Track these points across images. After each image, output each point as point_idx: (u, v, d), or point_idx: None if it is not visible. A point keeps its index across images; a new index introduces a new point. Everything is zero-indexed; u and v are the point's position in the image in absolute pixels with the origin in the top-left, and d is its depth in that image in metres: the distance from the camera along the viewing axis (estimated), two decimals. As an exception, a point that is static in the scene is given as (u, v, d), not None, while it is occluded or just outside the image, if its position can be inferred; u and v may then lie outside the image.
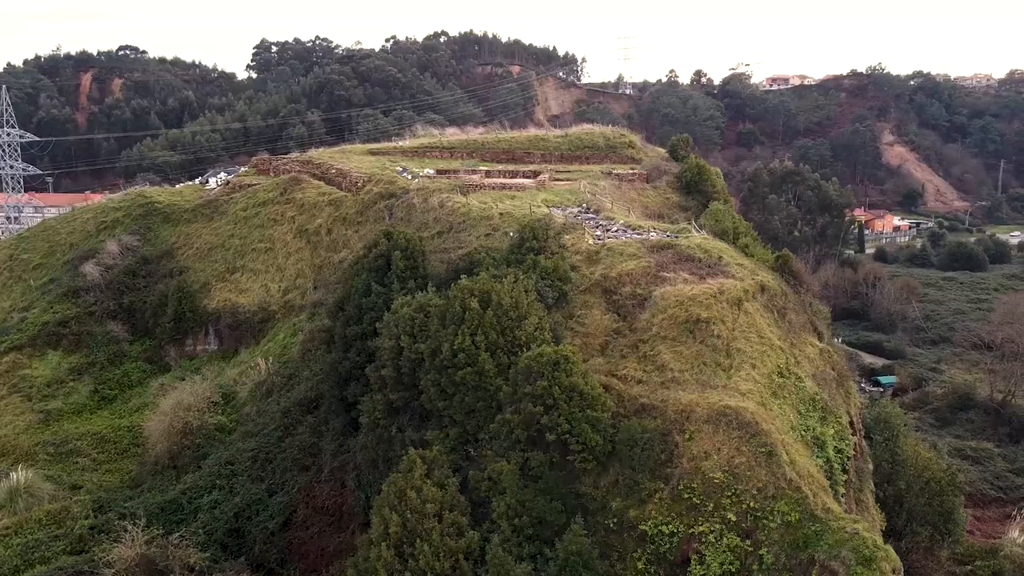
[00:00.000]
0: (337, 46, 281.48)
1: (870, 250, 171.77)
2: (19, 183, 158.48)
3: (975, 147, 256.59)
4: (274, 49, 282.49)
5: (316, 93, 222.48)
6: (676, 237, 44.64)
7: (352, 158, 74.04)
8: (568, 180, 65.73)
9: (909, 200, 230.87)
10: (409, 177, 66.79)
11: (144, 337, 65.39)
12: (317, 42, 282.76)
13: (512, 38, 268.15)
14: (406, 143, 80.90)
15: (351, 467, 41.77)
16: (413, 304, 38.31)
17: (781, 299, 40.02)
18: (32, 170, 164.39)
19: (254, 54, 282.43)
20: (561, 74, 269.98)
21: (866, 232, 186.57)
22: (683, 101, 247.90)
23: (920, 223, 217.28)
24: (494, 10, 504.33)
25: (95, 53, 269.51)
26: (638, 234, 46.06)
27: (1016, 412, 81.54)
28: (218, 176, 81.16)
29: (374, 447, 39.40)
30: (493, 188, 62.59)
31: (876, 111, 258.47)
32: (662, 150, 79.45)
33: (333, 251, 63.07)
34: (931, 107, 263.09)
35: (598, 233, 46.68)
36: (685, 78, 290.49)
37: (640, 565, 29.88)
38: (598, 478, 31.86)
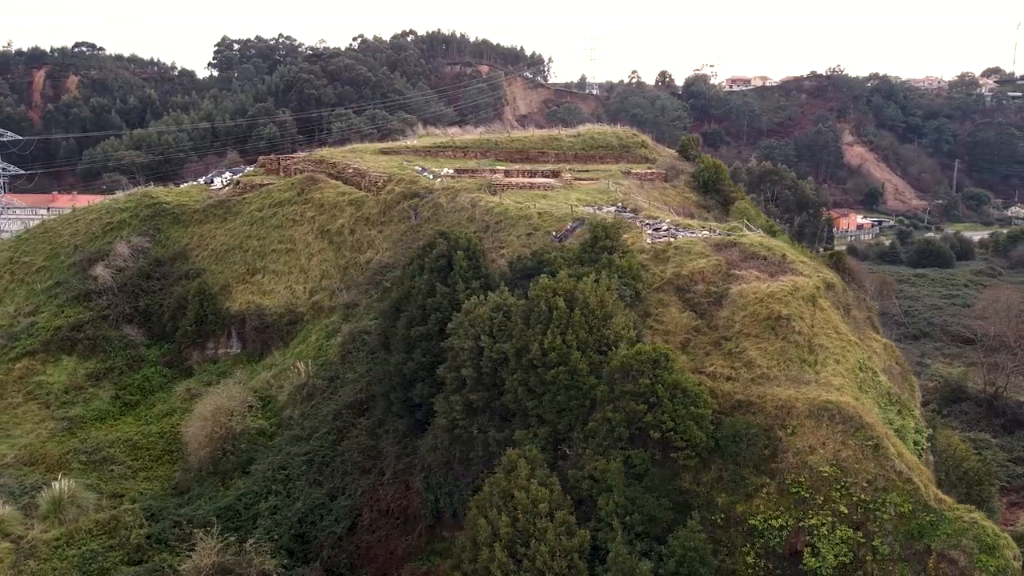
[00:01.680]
0: (300, 44, 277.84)
1: (840, 247, 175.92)
2: (4, 184, 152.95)
3: (930, 147, 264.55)
4: (236, 47, 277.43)
5: (284, 92, 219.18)
6: (730, 235, 45.26)
7: (366, 157, 73.33)
8: (590, 180, 66.17)
9: (871, 199, 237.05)
10: (431, 177, 66.47)
11: (162, 341, 63.87)
12: (280, 40, 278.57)
13: (480, 38, 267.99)
14: (416, 142, 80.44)
15: (418, 469, 41.45)
16: (489, 304, 38.19)
17: (844, 295, 40.91)
18: (13, 169, 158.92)
19: (215, 52, 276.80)
20: (528, 74, 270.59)
21: (833, 231, 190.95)
22: (651, 102, 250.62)
23: (882, 221, 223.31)
24: (459, 10, 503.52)
25: (48, 50, 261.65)
26: (690, 233, 46.58)
27: (1009, 404, 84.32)
28: (223, 176, 79.57)
29: (447, 448, 39.19)
30: (521, 187, 62.70)
31: (836, 112, 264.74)
32: (671, 150, 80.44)
33: (358, 252, 62.45)
34: (888, 108, 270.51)
35: (650, 232, 47.06)
36: (646, 78, 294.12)
37: (750, 559, 30.33)
38: (698, 474, 32.21)
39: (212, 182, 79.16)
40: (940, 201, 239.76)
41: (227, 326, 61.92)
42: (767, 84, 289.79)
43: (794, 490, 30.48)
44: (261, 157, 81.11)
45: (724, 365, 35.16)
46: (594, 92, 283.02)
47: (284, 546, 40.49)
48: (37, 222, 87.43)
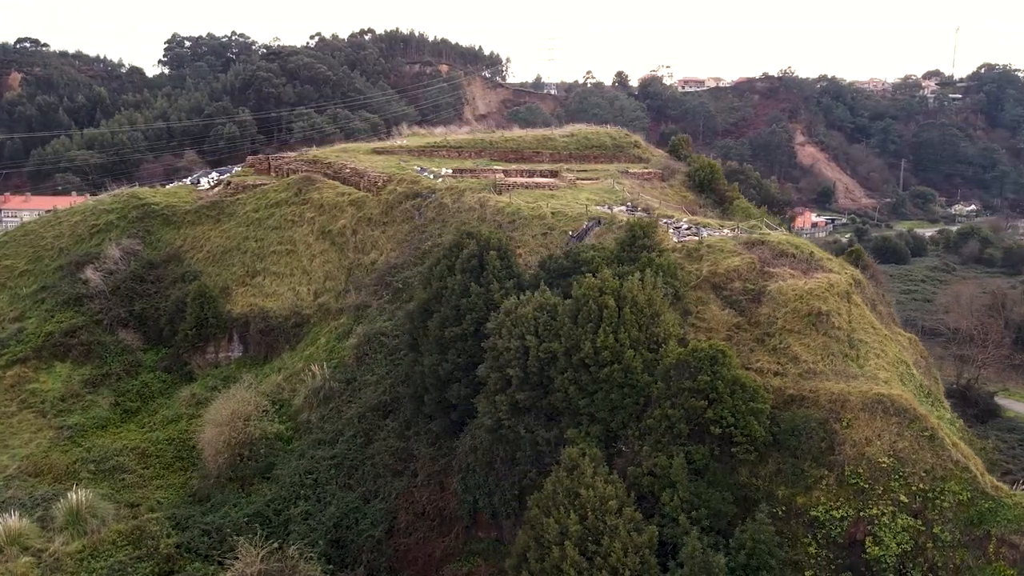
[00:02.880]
0: (254, 42, 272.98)
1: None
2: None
3: (877, 147, 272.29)
4: (187, 44, 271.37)
5: (242, 91, 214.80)
6: (751, 233, 46.12)
7: (360, 157, 72.69)
8: (590, 180, 66.64)
9: (823, 197, 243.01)
10: (431, 176, 66.20)
11: (159, 345, 62.42)
12: (233, 38, 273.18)
13: (439, 37, 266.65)
14: (408, 142, 79.96)
15: (456, 470, 41.29)
16: (532, 303, 38.25)
17: (869, 292, 42.06)
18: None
19: (166, 49, 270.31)
20: (487, 74, 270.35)
21: (791, 229, 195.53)
22: (610, 102, 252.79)
23: (835, 219, 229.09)
24: (416, 9, 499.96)
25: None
26: (712, 231, 47.33)
27: (981, 395, 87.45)
28: (209, 176, 77.93)
29: (488, 448, 39.10)
30: (526, 187, 62.82)
31: (788, 113, 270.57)
32: (660, 150, 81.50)
33: (362, 252, 61.85)
34: (837, 109, 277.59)
35: (674, 231, 47.66)
36: (600, 79, 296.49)
37: (812, 549, 31.04)
38: (755, 468, 32.82)
39: (199, 182, 77.50)
40: (888, 200, 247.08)
41: (228, 329, 60.74)
42: (720, 85, 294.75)
43: (853, 481, 31.30)
44: (249, 157, 79.74)
45: (770, 361, 35.88)
46: (552, 92, 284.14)
47: (320, 551, 39.92)
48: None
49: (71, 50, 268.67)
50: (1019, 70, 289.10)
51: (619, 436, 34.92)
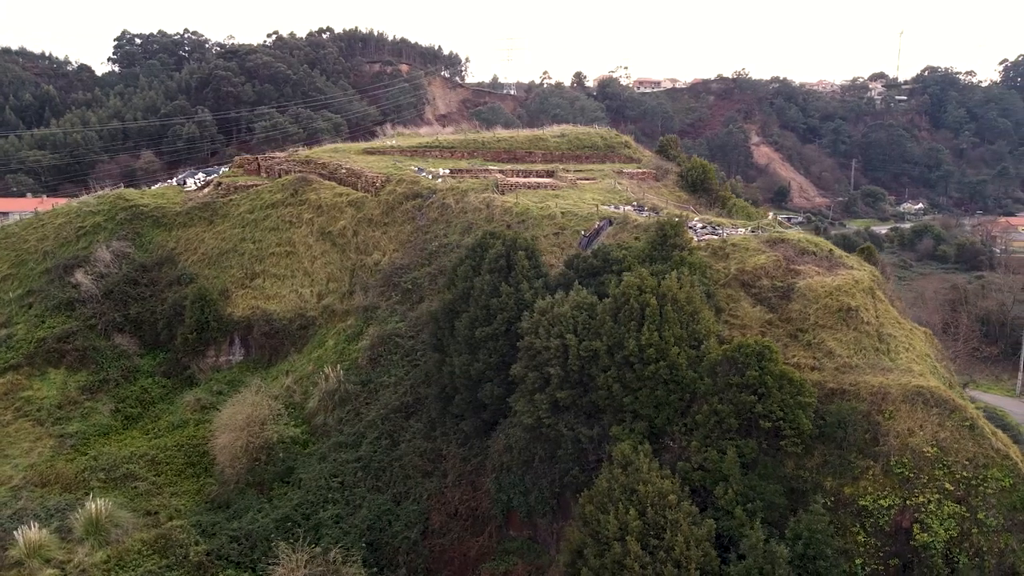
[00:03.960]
0: (207, 40, 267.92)
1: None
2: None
3: (828, 147, 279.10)
4: (138, 42, 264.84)
5: (199, 90, 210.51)
6: (767, 232, 47.17)
7: (353, 157, 72.20)
8: (588, 179, 67.26)
9: (779, 197, 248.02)
10: (430, 177, 66.07)
11: (156, 350, 61.10)
12: (186, 35, 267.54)
13: (399, 36, 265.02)
14: (399, 142, 79.62)
15: (489, 469, 41.41)
16: (569, 302, 38.58)
17: (887, 288, 43.40)
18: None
19: (115, 47, 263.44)
20: (446, 74, 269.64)
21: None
22: (570, 102, 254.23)
23: (791, 218, 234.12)
24: (371, 7, 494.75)
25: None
26: (730, 230, 48.26)
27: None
28: (196, 177, 76.39)
29: (525, 447, 39.31)
30: (529, 187, 63.13)
31: (743, 113, 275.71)
32: (648, 152, 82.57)
33: (364, 254, 61.45)
34: (790, 110, 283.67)
35: (693, 230, 48.43)
36: (555, 79, 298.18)
37: (861, 538, 31.98)
38: (801, 460, 33.65)
39: (184, 183, 75.92)
40: (841, 199, 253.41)
41: (229, 332, 59.76)
42: (677, 86, 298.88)
43: (898, 471, 32.33)
44: (237, 157, 78.48)
45: (806, 356, 36.81)
46: (511, 92, 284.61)
47: (355, 555, 39.65)
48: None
49: (14, 47, 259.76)
50: (960, 73, 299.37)
51: (664, 432, 35.44)
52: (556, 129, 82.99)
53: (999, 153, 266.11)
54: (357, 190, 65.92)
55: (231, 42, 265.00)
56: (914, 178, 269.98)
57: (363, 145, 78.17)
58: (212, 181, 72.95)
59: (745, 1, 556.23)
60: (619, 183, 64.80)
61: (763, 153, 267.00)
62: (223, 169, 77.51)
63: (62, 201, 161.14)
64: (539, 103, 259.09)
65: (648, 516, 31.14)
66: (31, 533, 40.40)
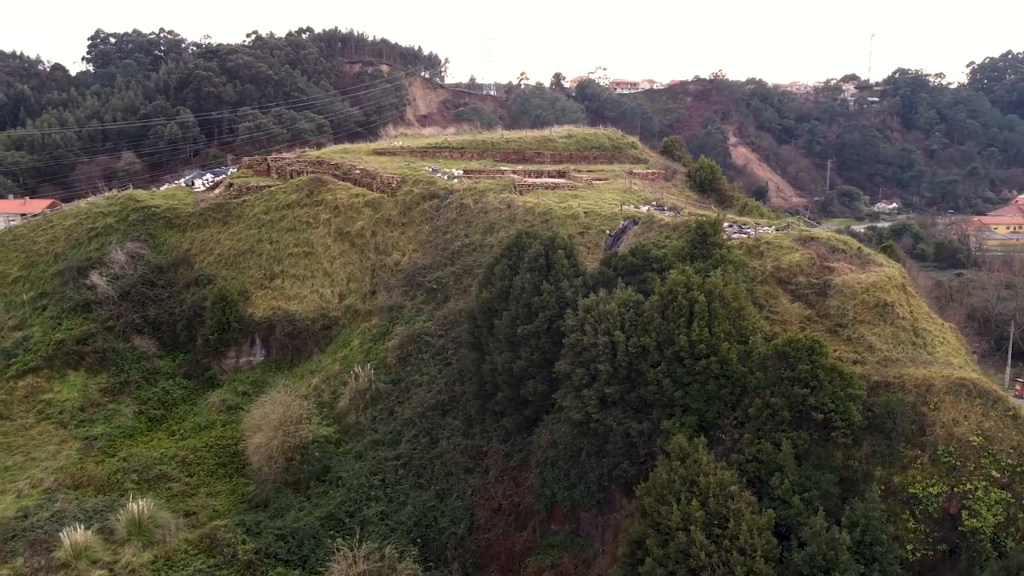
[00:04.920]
0: (183, 39, 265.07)
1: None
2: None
3: (804, 148, 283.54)
4: (112, 41, 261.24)
5: (178, 90, 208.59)
6: (790, 229, 48.42)
7: (364, 158, 72.47)
8: (601, 179, 68.15)
9: (757, 196, 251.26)
10: (445, 178, 66.59)
11: (175, 351, 60.87)
12: (161, 35, 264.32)
13: (379, 37, 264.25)
14: (402, 143, 80.00)
15: (533, 464, 42.10)
16: (615, 300, 39.39)
17: (916, 284, 44.81)
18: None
19: (89, 46, 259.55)
20: (426, 74, 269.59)
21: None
22: (551, 103, 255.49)
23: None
24: (350, 7, 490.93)
25: None
26: (751, 229, 49.43)
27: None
28: (204, 177, 76.12)
29: (571, 442, 40.08)
30: (545, 188, 63.86)
31: (720, 114, 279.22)
32: (653, 153, 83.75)
33: (384, 254, 61.80)
34: (766, 111, 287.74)
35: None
36: (532, 80, 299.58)
37: (911, 524, 33.22)
38: (850, 451, 34.80)
39: (193, 184, 75.61)
40: (817, 198, 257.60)
41: (250, 333, 59.74)
42: (655, 87, 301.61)
43: (945, 459, 33.62)
44: (246, 158, 78.34)
45: (848, 350, 38.01)
46: (491, 93, 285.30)
47: (410, 550, 40.02)
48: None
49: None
50: (930, 75, 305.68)
51: (715, 425, 36.40)
52: (563, 130, 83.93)
53: (968, 154, 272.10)
54: (373, 191, 66.21)
55: (208, 42, 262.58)
56: (887, 178, 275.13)
57: (372, 146, 78.39)
58: (222, 182, 72.77)
59: (720, 2, 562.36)
60: (634, 183, 65.78)
61: (741, 153, 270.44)
62: (231, 170, 77.30)
63: (44, 202, 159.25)
64: (520, 104, 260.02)
65: (710, 506, 32.05)
66: (76, 535, 40.35)
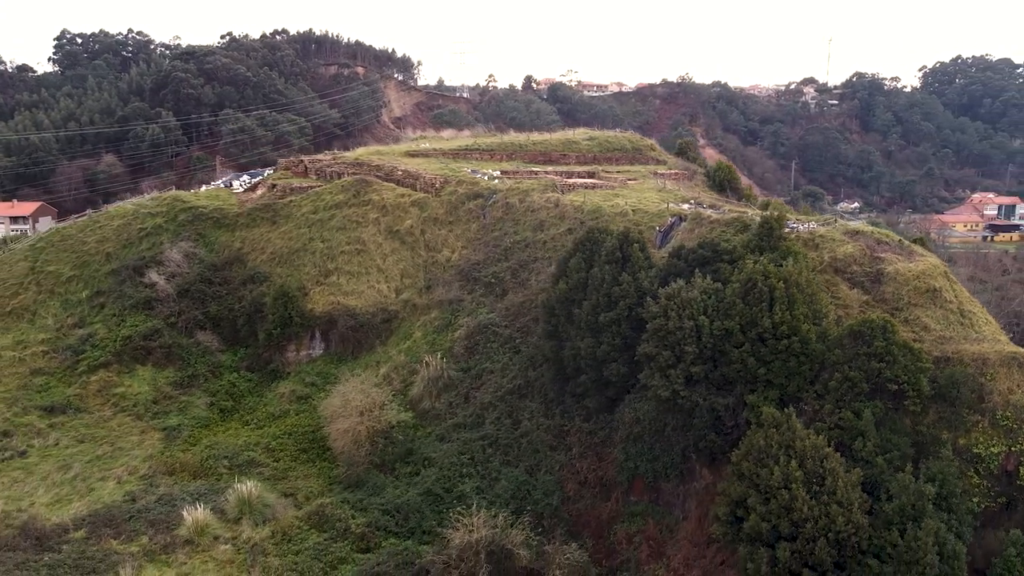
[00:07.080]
0: (152, 40, 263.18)
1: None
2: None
3: (768, 149, 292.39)
4: (79, 42, 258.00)
5: (155, 91, 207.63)
6: (835, 225, 53.02)
7: (401, 160, 75.45)
8: (632, 180, 72.21)
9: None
10: (486, 178, 70.02)
11: (236, 346, 63.21)
12: (130, 36, 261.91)
13: (353, 39, 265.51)
14: (429, 144, 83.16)
15: (616, 440, 45.89)
16: (696, 287, 43.37)
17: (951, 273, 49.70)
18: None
19: (56, 47, 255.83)
20: (399, 76, 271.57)
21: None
22: (525, 105, 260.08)
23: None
24: (322, 8, 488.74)
25: None
26: (799, 224, 53.92)
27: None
28: (241, 179, 78.17)
29: (656, 417, 44.04)
30: (585, 188, 67.67)
31: (688, 116, 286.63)
32: (668, 154, 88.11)
33: (434, 251, 65.06)
34: (731, 114, 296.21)
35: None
36: (502, 83, 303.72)
37: (975, 480, 37.85)
38: (918, 417, 39.25)
39: (231, 184, 77.69)
40: (784, 199, 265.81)
41: (310, 328, 62.35)
42: (623, 90, 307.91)
43: (1003, 423, 38.29)
44: (282, 160, 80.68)
45: (907, 330, 42.46)
46: (464, 95, 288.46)
47: (523, 519, 43.20)
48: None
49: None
50: (886, 79, 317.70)
51: (795, 398, 40.60)
52: (584, 132, 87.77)
53: (924, 155, 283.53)
54: (417, 191, 69.32)
55: (177, 43, 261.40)
56: (848, 178, 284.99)
57: (403, 147, 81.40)
58: (260, 183, 75.05)
59: (685, 7, 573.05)
60: (666, 183, 69.96)
61: (709, 155, 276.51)
62: (267, 171, 79.52)
63: (32, 204, 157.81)
64: (495, 106, 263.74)
65: (807, 467, 36.18)
66: (197, 513, 42.90)
